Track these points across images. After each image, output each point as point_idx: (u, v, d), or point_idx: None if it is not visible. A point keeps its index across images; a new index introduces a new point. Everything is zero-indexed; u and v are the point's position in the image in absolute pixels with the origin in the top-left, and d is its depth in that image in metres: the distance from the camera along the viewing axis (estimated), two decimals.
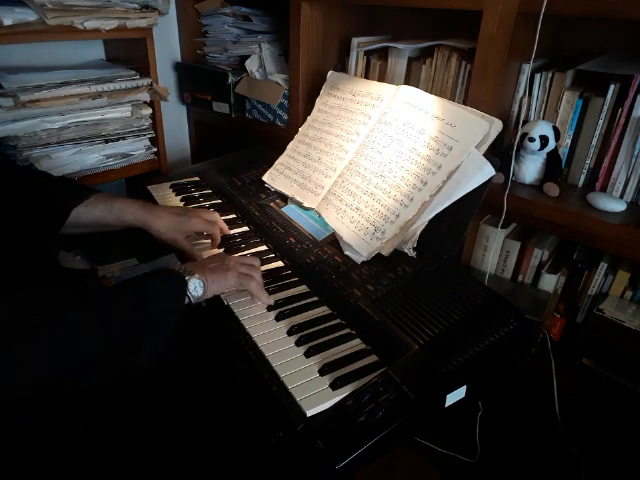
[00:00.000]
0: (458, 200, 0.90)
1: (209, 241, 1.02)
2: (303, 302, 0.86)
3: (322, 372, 0.71)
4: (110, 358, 0.66)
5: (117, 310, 0.68)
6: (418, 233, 0.92)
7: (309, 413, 0.65)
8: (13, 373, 0.58)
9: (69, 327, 0.62)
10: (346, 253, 0.96)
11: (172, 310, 0.74)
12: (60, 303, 0.66)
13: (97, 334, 0.64)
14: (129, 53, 1.40)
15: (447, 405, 0.70)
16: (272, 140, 1.39)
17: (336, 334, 0.79)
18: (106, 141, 1.33)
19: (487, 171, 0.89)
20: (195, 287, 0.77)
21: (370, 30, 1.39)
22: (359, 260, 0.94)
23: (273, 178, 1.20)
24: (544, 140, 0.97)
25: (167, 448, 0.74)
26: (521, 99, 1.06)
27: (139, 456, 0.71)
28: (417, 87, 1.05)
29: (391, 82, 1.20)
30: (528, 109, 1.05)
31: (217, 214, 1.05)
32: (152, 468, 0.71)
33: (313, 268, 0.94)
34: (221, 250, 1.00)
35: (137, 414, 0.77)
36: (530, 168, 1.03)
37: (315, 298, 0.88)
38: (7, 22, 1.04)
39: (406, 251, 0.93)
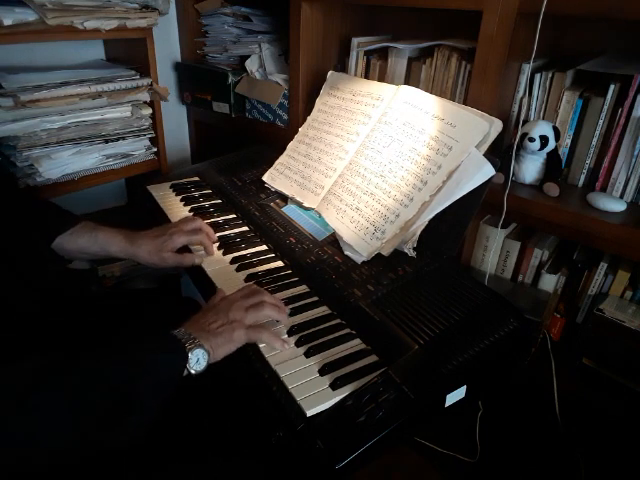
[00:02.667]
0: (458, 200, 0.90)
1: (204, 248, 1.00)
2: (303, 302, 0.86)
3: (322, 372, 0.71)
4: (78, 440, 0.59)
5: (93, 389, 0.60)
6: (418, 233, 0.92)
7: (309, 413, 0.65)
8: None
9: (36, 408, 0.56)
10: (346, 253, 0.96)
11: (163, 389, 0.66)
12: (28, 380, 0.58)
13: (65, 419, 0.58)
14: (129, 53, 1.40)
15: (447, 405, 0.70)
16: (272, 140, 1.39)
17: (336, 334, 0.79)
18: (106, 141, 1.33)
19: (487, 171, 0.89)
20: (198, 360, 0.69)
21: (370, 30, 1.38)
22: (359, 260, 0.94)
23: (273, 178, 1.20)
24: (544, 140, 0.97)
25: (167, 449, 0.74)
26: (521, 99, 1.06)
27: (140, 457, 0.71)
28: (417, 87, 1.05)
29: (391, 82, 1.20)
30: (528, 109, 1.05)
31: (200, 220, 1.02)
32: (152, 469, 0.71)
33: (313, 268, 0.94)
34: (222, 251, 1.00)
35: None
36: (530, 168, 1.03)
37: (315, 298, 0.88)
38: (7, 22, 1.04)
39: (406, 251, 0.93)
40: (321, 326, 0.81)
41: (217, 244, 1.02)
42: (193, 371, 0.69)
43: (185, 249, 1.00)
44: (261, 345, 0.76)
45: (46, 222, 0.96)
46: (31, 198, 1.13)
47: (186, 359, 0.68)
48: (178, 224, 1.01)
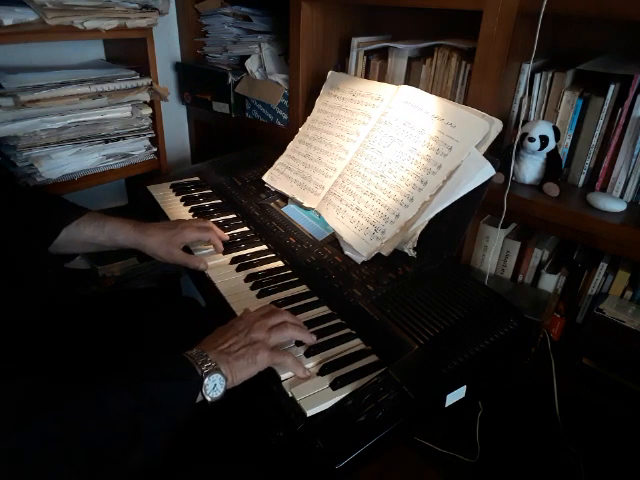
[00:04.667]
0: (458, 200, 0.90)
1: (211, 247, 1.01)
2: (303, 302, 0.86)
3: (322, 372, 0.71)
4: (75, 471, 0.53)
5: (90, 421, 0.54)
6: (418, 233, 0.92)
7: (309, 413, 0.65)
8: None
9: (27, 441, 0.50)
10: (346, 253, 0.96)
11: (173, 419, 0.59)
12: (21, 409, 0.53)
13: (61, 454, 0.52)
14: (129, 53, 1.40)
15: (447, 405, 0.70)
16: (272, 140, 1.39)
17: (336, 334, 0.79)
18: (106, 141, 1.33)
19: (487, 171, 0.89)
20: (214, 386, 0.62)
21: (370, 30, 1.38)
22: (359, 260, 0.93)
23: (273, 178, 1.20)
24: (544, 140, 0.97)
25: (166, 455, 0.73)
26: (521, 99, 1.06)
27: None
28: (417, 87, 1.05)
29: (391, 82, 1.20)
30: (528, 109, 1.05)
31: (210, 221, 1.03)
32: (151, 477, 0.70)
33: (313, 268, 0.94)
34: (222, 251, 1.00)
35: None
36: (530, 168, 1.03)
37: (315, 298, 0.88)
38: (7, 22, 1.04)
39: (406, 251, 0.93)
40: (321, 326, 0.80)
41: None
42: (209, 398, 0.62)
43: (188, 252, 1.00)
44: None
45: (50, 215, 0.95)
46: (35, 194, 1.13)
47: (201, 385, 0.61)
48: (189, 221, 1.02)
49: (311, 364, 0.73)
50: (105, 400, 0.57)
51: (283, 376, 0.70)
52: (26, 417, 0.52)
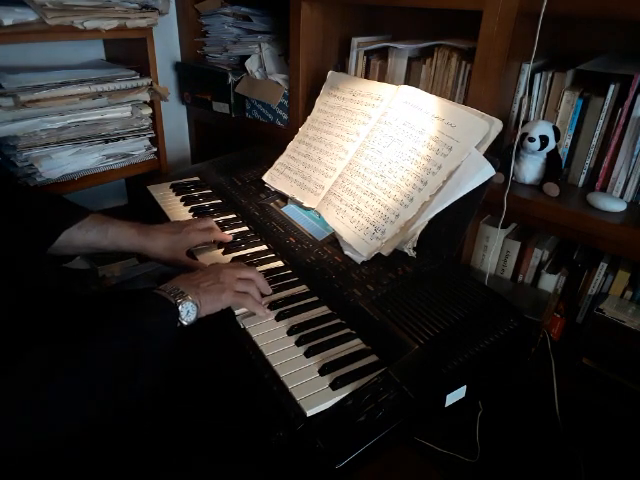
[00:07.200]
0: (458, 200, 0.90)
1: (215, 247, 1.00)
2: (303, 302, 0.86)
3: (322, 372, 0.71)
4: (98, 405, 0.65)
5: (105, 366, 0.65)
6: (418, 233, 0.92)
7: (309, 413, 0.65)
8: None
9: (54, 395, 0.60)
10: (346, 253, 0.96)
11: (162, 343, 0.71)
12: (44, 365, 0.61)
13: (85, 395, 0.63)
14: (129, 53, 1.40)
15: (447, 405, 0.70)
16: (272, 140, 1.39)
17: (336, 334, 0.79)
18: (106, 141, 1.33)
19: (487, 171, 0.89)
20: (188, 312, 0.73)
21: (370, 30, 1.39)
22: (359, 260, 0.93)
23: (273, 178, 1.20)
24: (544, 140, 0.97)
25: (166, 455, 0.73)
26: (521, 99, 1.06)
27: (137, 465, 0.70)
28: (417, 87, 1.05)
29: (391, 82, 1.20)
30: (528, 109, 1.05)
31: (211, 220, 1.03)
32: (151, 477, 0.70)
33: (313, 268, 0.94)
34: (221, 251, 1.00)
35: (134, 420, 0.76)
36: (530, 168, 1.03)
37: (315, 298, 0.88)
38: (7, 22, 1.04)
39: (406, 251, 0.93)
40: (321, 326, 0.80)
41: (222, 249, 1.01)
42: (185, 322, 0.73)
43: (189, 254, 1.00)
44: (261, 344, 0.76)
45: (51, 216, 0.93)
46: (35, 194, 1.12)
47: (178, 313, 0.72)
48: (192, 223, 1.01)
49: (311, 363, 0.73)
50: (111, 344, 0.67)
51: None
52: (48, 375, 0.60)
